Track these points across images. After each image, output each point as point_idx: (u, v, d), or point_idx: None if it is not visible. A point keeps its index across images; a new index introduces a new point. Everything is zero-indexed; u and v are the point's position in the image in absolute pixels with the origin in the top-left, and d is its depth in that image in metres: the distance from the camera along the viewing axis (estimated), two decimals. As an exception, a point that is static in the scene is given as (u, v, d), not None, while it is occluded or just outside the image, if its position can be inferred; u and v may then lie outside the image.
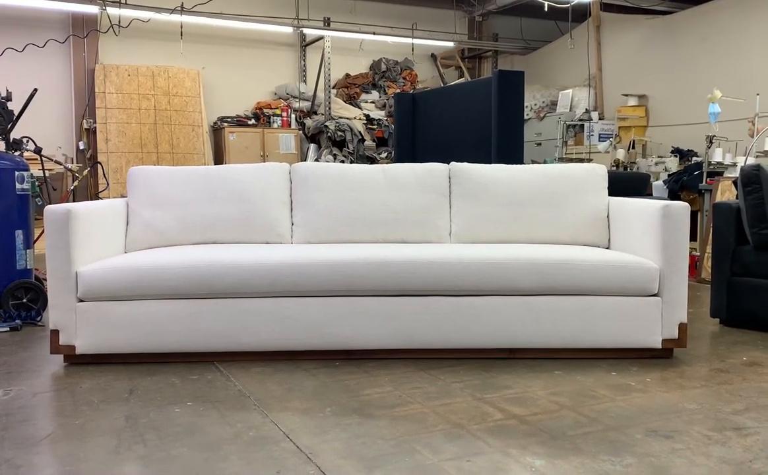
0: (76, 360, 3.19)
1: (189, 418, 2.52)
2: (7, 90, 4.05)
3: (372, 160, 9.70)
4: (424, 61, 11.38)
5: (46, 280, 5.18)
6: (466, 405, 2.67)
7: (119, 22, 8.36)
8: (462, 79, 11.00)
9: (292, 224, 3.83)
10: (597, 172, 3.96)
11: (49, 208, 3.10)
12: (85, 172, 4.83)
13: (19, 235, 4.08)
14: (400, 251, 3.30)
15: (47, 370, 3.12)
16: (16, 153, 4.17)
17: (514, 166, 3.97)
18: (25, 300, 4.03)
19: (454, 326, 3.26)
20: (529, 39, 11.24)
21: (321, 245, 3.60)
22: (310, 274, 3.19)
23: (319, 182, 3.84)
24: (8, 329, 3.84)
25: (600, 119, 9.14)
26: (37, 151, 4.14)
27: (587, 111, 9.21)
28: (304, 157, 9.88)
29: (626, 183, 5.02)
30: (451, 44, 10.91)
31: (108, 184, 5.99)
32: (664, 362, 3.31)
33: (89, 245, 3.24)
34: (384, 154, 9.81)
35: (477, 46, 11.43)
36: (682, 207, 3.33)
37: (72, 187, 5.07)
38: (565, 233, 3.84)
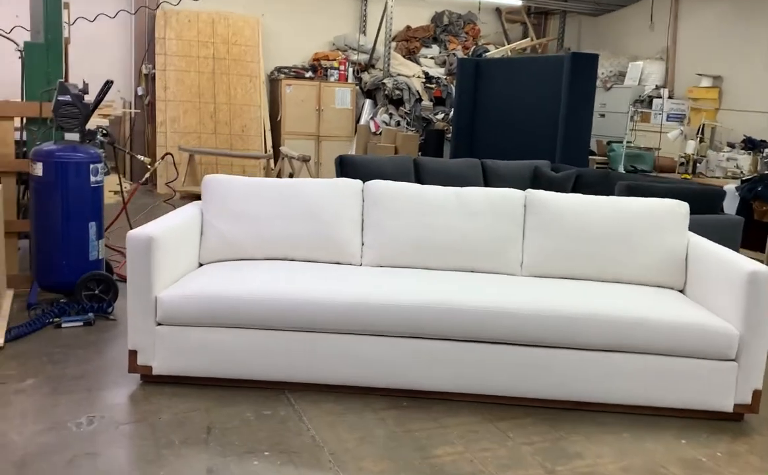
0: (152, 379, 3.27)
1: (268, 474, 2.59)
2: (84, 82, 4.03)
3: (428, 122, 9.52)
4: (488, 15, 10.96)
5: (121, 251, 5.27)
6: (538, 482, 2.68)
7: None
8: (527, 40, 10.59)
9: (362, 245, 3.81)
10: (679, 211, 3.82)
11: (132, 235, 3.12)
12: (156, 164, 4.83)
13: (92, 227, 4.14)
14: (472, 298, 3.26)
15: (125, 389, 3.22)
16: (89, 144, 4.18)
17: (595, 198, 3.85)
18: (97, 292, 4.12)
19: (524, 375, 3.24)
20: (600, 0, 10.69)
21: (392, 274, 3.57)
22: (381, 315, 3.19)
23: (391, 204, 3.79)
24: (82, 323, 3.94)
25: (669, 98, 8.76)
26: (111, 142, 4.15)
27: (657, 87, 8.83)
28: (359, 113, 9.74)
29: (698, 198, 4.81)
30: (519, 2, 10.45)
31: (177, 174, 5.96)
32: (734, 429, 3.25)
33: (168, 266, 3.27)
34: (440, 115, 9.61)
35: (545, 4, 10.93)
36: (770, 275, 3.20)
37: (145, 178, 5.07)
38: (640, 273, 3.75)
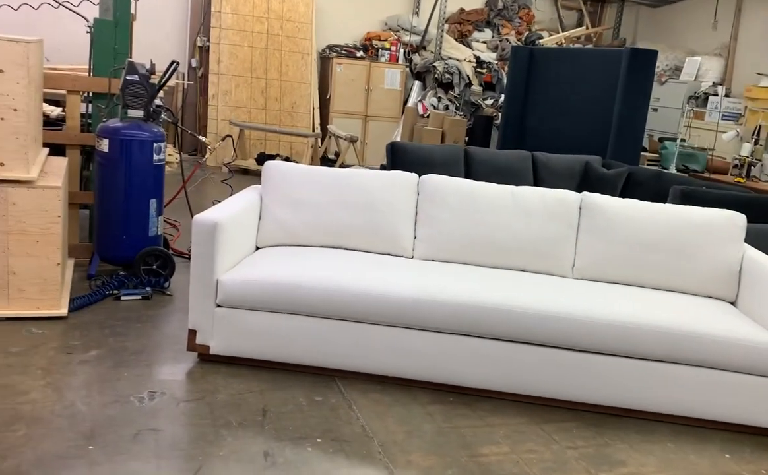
0: (208, 358, 3.40)
1: (321, 462, 2.69)
2: (152, 62, 4.13)
3: (477, 107, 9.48)
4: (543, 0, 10.79)
5: (174, 225, 5.41)
6: (583, 489, 2.73)
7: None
8: (582, 28, 10.42)
9: (415, 238, 3.86)
10: (736, 223, 3.79)
11: (198, 220, 3.23)
12: (218, 144, 4.96)
13: (152, 203, 4.27)
14: (525, 300, 3.29)
15: (183, 366, 3.35)
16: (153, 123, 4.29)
17: (651, 205, 3.83)
18: (154, 266, 4.26)
19: (570, 379, 3.28)
20: (660, -9, 10.46)
21: (443, 269, 3.62)
22: (432, 312, 3.25)
23: (445, 199, 3.83)
24: (140, 297, 4.09)
25: (726, 96, 8.56)
26: (174, 122, 4.25)
27: (714, 84, 8.63)
28: (407, 95, 9.74)
29: (752, 207, 4.73)
30: (575, -12, 10.28)
31: (236, 155, 6.07)
32: (781, 447, 3.26)
33: (229, 250, 3.38)
34: (489, 101, 9.55)
35: (602, -10, 10.74)
36: (829, 297, 3.17)
37: (205, 159, 5.20)
38: (692, 283, 3.74)
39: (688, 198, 4.64)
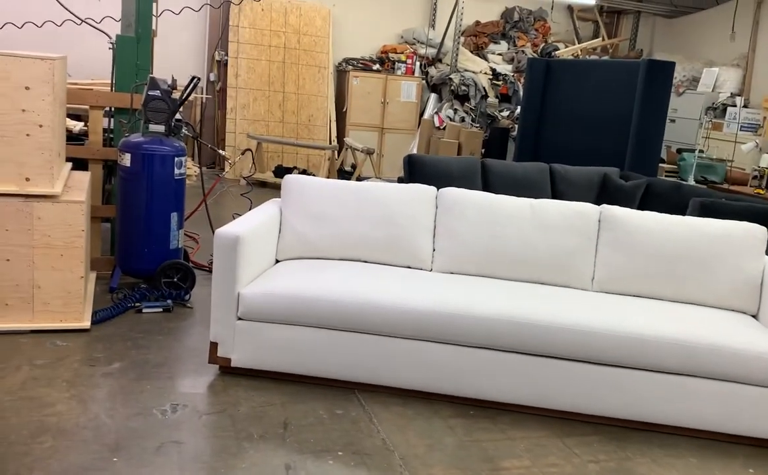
0: (230, 371, 3.43)
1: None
2: (173, 78, 4.19)
3: (493, 119, 9.48)
4: (559, 12, 10.80)
5: (194, 237, 5.47)
6: (605, 504, 2.72)
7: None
8: (598, 40, 10.41)
9: (434, 250, 3.87)
10: (756, 235, 3.77)
11: (220, 234, 3.26)
12: (238, 158, 5.03)
13: (173, 217, 4.31)
14: (544, 313, 3.29)
15: (204, 379, 3.37)
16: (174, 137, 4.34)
17: (671, 217, 3.82)
18: (175, 279, 4.30)
19: (592, 393, 3.27)
20: (678, 3, 10.42)
21: (462, 282, 3.63)
22: (452, 325, 3.26)
23: (464, 212, 3.84)
24: (161, 309, 4.13)
25: (744, 107, 8.51)
26: (194, 136, 4.30)
27: (732, 95, 8.57)
28: (423, 107, 9.77)
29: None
30: (592, 1, 10.25)
31: (255, 169, 6.13)
32: (806, 462, 3.22)
33: (250, 263, 3.41)
34: (506, 113, 9.56)
35: (620, 3, 10.69)
36: None
37: (224, 173, 5.28)
38: (713, 296, 3.72)
39: (707, 210, 4.61)
